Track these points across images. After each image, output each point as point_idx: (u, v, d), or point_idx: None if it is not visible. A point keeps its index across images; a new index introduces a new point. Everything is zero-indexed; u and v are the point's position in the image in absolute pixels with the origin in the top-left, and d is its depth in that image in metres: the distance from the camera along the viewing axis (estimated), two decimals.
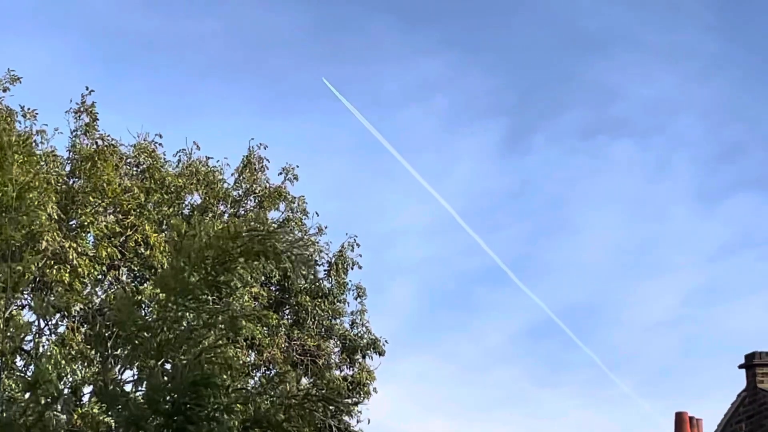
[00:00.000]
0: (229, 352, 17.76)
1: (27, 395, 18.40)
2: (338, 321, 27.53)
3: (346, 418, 25.58)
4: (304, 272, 21.72)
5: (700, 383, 51.49)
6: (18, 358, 21.79)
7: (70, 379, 19.79)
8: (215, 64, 57.38)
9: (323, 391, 22.54)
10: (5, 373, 19.98)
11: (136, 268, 24.13)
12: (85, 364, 20.16)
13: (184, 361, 16.31)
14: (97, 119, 25.00)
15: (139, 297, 21.63)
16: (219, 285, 17.20)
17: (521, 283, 51.79)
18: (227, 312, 17.42)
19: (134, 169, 25.67)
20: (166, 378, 16.71)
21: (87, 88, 25.14)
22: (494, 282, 61.98)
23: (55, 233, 21.34)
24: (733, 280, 60.11)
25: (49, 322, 22.90)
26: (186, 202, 26.07)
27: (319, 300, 27.07)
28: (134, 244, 23.64)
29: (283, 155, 31.78)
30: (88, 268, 21.92)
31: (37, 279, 22.01)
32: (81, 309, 22.28)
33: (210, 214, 25.32)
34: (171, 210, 24.75)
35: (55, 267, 21.50)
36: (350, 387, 26.71)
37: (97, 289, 23.11)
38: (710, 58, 62.90)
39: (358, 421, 26.45)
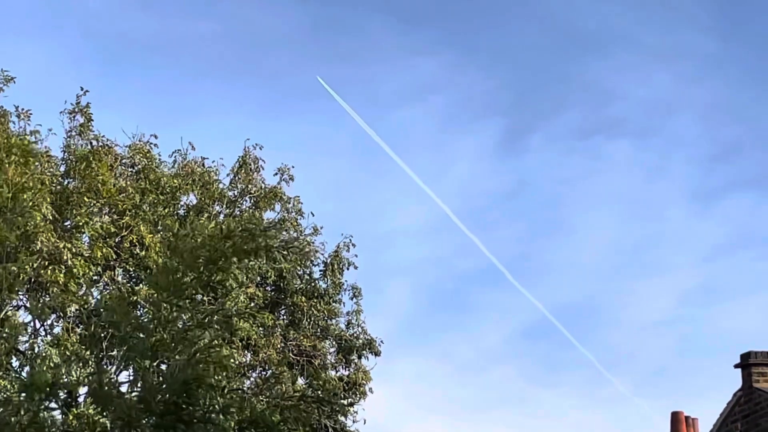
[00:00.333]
0: (224, 351, 17.74)
1: (22, 396, 18.40)
2: (334, 321, 27.48)
3: (342, 418, 25.60)
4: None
5: (696, 383, 51.62)
6: (13, 358, 21.77)
7: (66, 380, 19.78)
8: (211, 65, 57.49)
9: (319, 393, 22.56)
10: (1, 373, 19.98)
11: (131, 269, 24.09)
12: (81, 364, 20.11)
13: (179, 361, 16.33)
14: (92, 120, 24.98)
15: (135, 298, 21.61)
16: (213, 285, 17.24)
17: (518, 283, 51.94)
18: (222, 312, 17.44)
19: (129, 169, 25.63)
20: (161, 378, 16.73)
21: (82, 89, 25.13)
22: (491, 282, 62.15)
23: (50, 234, 21.31)
24: (730, 280, 60.26)
25: (45, 323, 22.87)
26: (181, 203, 26.02)
27: (315, 300, 27.02)
28: (129, 245, 23.61)
29: (279, 156, 31.78)
30: (83, 268, 21.88)
31: (33, 280, 21.97)
32: (76, 310, 22.24)
33: (205, 215, 25.29)
34: (166, 210, 24.70)
35: (50, 268, 21.46)
36: (346, 387, 26.66)
37: (92, 289, 23.07)
38: (707, 58, 63.10)
39: (354, 422, 26.44)
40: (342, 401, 25.23)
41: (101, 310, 21.24)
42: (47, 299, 21.90)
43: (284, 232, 25.19)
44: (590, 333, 59.21)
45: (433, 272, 60.23)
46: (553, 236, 63.34)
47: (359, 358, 27.49)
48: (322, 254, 27.42)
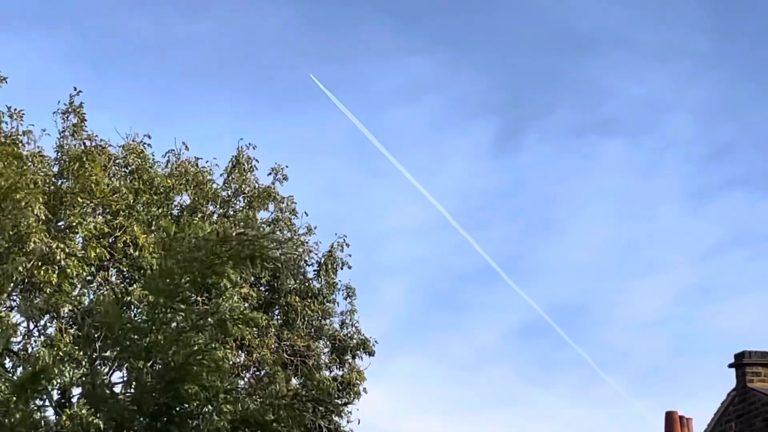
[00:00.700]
0: (218, 353, 17.71)
1: (15, 396, 18.35)
2: (328, 321, 27.46)
3: (336, 418, 25.56)
4: (293, 273, 21.73)
5: (691, 382, 51.63)
6: (6, 359, 21.71)
7: (59, 381, 19.73)
8: (204, 65, 57.40)
9: (312, 392, 22.53)
10: None
11: (125, 269, 24.05)
12: (74, 365, 20.06)
13: (171, 363, 16.30)
14: (85, 120, 24.94)
15: (128, 298, 21.56)
16: (208, 286, 17.21)
17: (512, 283, 51.90)
18: (216, 314, 17.41)
19: (123, 169, 25.58)
20: (154, 379, 16.70)
21: (75, 89, 25.09)
22: (485, 281, 62.12)
23: (42, 234, 21.25)
24: (724, 279, 60.29)
25: (38, 324, 22.82)
26: (175, 203, 25.99)
27: (309, 300, 26.99)
28: (123, 245, 23.56)
29: (273, 155, 31.76)
30: (76, 269, 21.83)
31: (26, 280, 21.92)
32: (70, 310, 22.20)
33: (199, 215, 25.26)
34: (160, 211, 24.67)
35: (44, 268, 21.41)
36: (340, 387, 26.64)
37: (85, 290, 23.02)
38: (701, 57, 63.11)
39: (348, 422, 26.43)
40: (336, 401, 25.20)
41: (95, 311, 21.19)
42: (40, 300, 21.84)
43: (278, 232, 25.21)
44: (585, 332, 59.24)
45: (428, 271, 60.24)
46: (547, 235, 63.38)
47: (353, 358, 27.47)
48: (316, 254, 27.44)
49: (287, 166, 27.69)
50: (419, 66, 62.70)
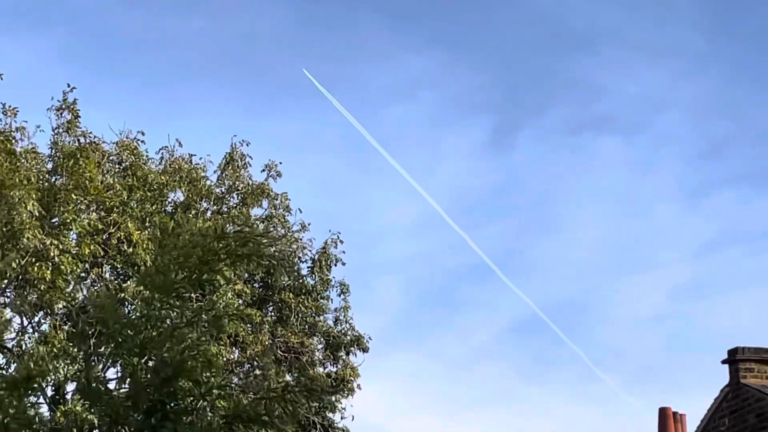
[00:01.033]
0: (212, 349, 17.71)
1: (9, 393, 18.31)
2: (322, 318, 27.49)
3: (330, 414, 25.60)
4: (287, 269, 21.72)
5: (684, 379, 51.72)
6: (0, 355, 21.71)
7: (53, 377, 19.71)
8: (198, 62, 57.38)
9: (304, 382, 22.51)
10: None
11: (119, 266, 24.06)
12: (68, 361, 20.06)
13: (165, 359, 16.28)
14: (79, 116, 24.96)
15: (123, 294, 21.57)
16: (203, 283, 17.19)
17: (508, 280, 51.97)
18: (211, 311, 17.39)
19: (117, 166, 25.60)
20: (148, 375, 16.68)
21: (69, 85, 25.08)
22: (481, 279, 62.15)
23: (36, 230, 21.25)
24: (719, 276, 60.45)
25: (32, 320, 22.82)
26: (169, 200, 26.01)
27: (303, 297, 27.01)
28: (117, 242, 23.57)
29: (267, 152, 31.82)
30: (70, 265, 21.84)
31: (19, 276, 21.91)
32: (64, 306, 22.20)
33: (193, 211, 25.26)
34: (154, 207, 24.68)
35: (37, 264, 21.41)
36: (333, 383, 26.66)
37: (79, 286, 23.02)
38: (697, 55, 63.25)
39: (342, 418, 26.47)
40: (328, 389, 25.14)
41: (89, 307, 21.17)
42: (34, 297, 21.84)
43: (272, 229, 25.20)
44: (580, 329, 59.35)
45: (423, 269, 60.29)
46: (542, 233, 63.49)
47: (347, 354, 27.50)
48: (310, 251, 27.46)
49: (281, 163, 27.75)
50: (415, 64, 62.80)
